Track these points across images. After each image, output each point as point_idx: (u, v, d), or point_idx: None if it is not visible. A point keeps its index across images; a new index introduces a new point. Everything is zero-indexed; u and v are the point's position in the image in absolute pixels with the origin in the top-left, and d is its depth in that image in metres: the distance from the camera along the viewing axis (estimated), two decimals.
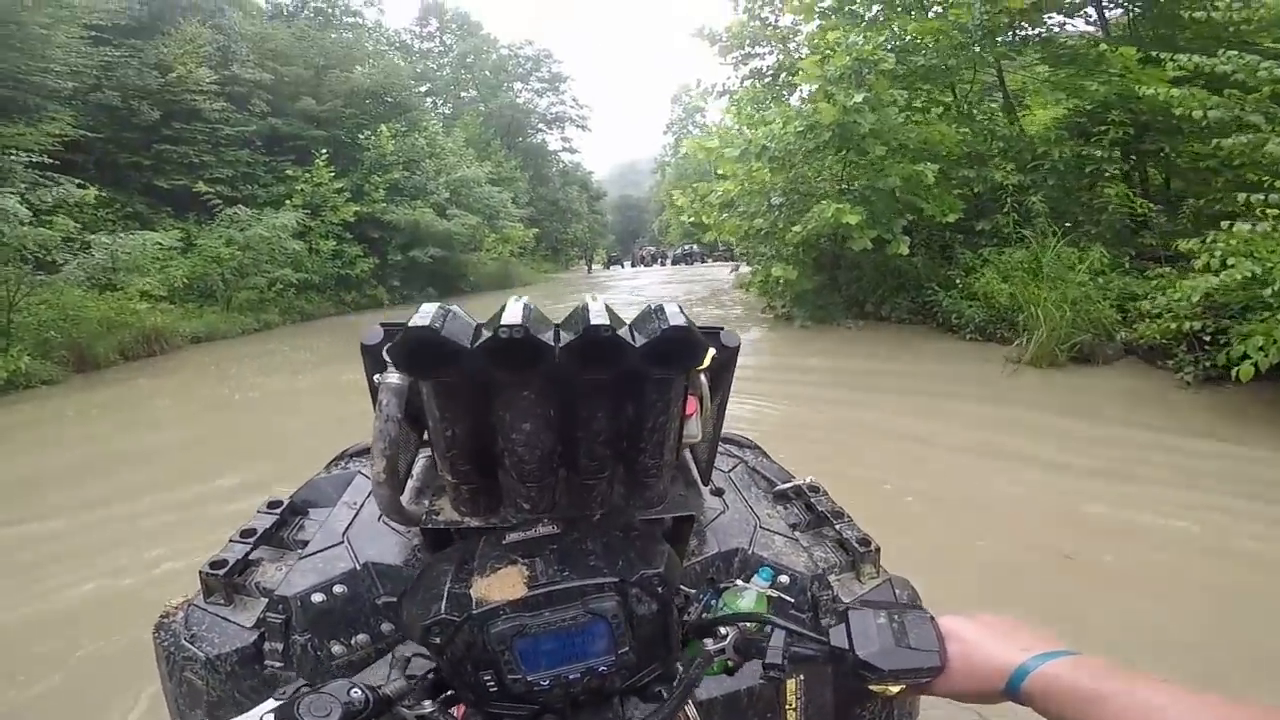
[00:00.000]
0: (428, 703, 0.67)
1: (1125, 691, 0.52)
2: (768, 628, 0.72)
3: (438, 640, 0.66)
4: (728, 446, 1.39)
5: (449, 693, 0.70)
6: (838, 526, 1.12)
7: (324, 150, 17.61)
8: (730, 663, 0.74)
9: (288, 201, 16.16)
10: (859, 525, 1.13)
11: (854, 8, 10.48)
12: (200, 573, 0.97)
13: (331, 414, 6.41)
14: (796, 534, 1.14)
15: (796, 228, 9.12)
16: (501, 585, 0.68)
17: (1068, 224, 8.57)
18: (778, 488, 1.26)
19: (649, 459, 0.78)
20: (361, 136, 19.78)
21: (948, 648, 0.66)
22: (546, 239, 37.98)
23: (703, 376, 0.77)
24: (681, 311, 0.65)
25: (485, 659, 0.66)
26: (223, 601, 0.96)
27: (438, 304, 0.67)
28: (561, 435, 0.72)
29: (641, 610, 0.69)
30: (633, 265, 44.15)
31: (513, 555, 0.72)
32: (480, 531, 0.79)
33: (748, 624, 0.74)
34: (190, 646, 0.91)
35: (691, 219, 11.74)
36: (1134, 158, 9.06)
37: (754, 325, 11.14)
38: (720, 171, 11.23)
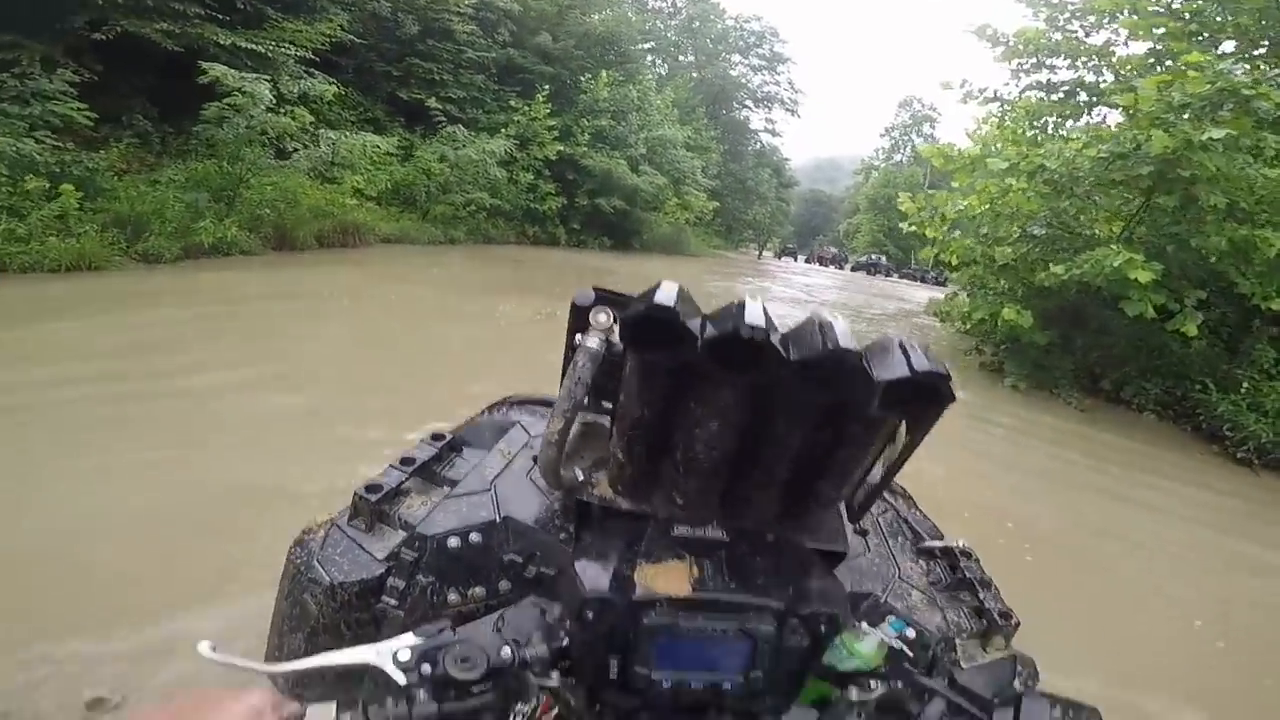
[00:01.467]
0: (555, 673, 0.63)
1: None
2: (924, 693, 0.64)
3: (590, 616, 0.62)
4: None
5: (565, 664, 0.65)
6: (981, 596, 1.02)
7: (547, 86, 17.76)
8: (861, 716, 0.66)
9: (503, 130, 16.51)
10: (1004, 599, 1.03)
11: (1216, 32, 8.26)
12: (355, 493, 0.93)
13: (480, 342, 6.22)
14: (935, 592, 1.05)
15: (1058, 269, 7.33)
16: (667, 578, 0.65)
17: None
18: (924, 544, 1.16)
19: (827, 489, 0.74)
20: (583, 79, 19.86)
21: None
22: (725, 214, 37.42)
23: (903, 423, 0.71)
24: (852, 334, 0.60)
25: (622, 645, 0.63)
26: (363, 527, 0.92)
27: (676, 284, 0.62)
28: (745, 441, 0.69)
29: (792, 643, 0.65)
30: (808, 261, 42.02)
31: (680, 550, 0.69)
32: (632, 516, 0.77)
33: (899, 684, 0.66)
34: (320, 568, 0.87)
35: (914, 227, 10.05)
36: None
37: (951, 369, 9.31)
38: (956, 184, 9.65)
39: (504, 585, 0.88)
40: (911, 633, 0.90)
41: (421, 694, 0.57)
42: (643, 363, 0.65)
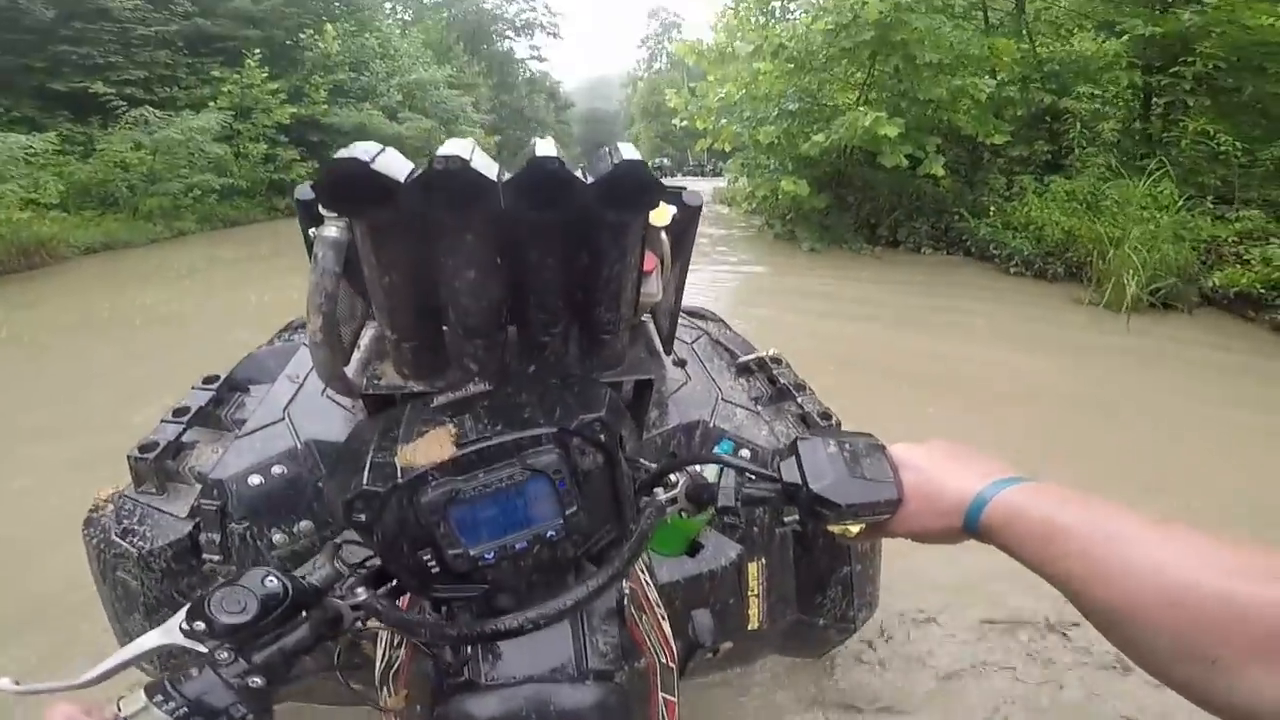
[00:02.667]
0: (361, 590, 0.58)
1: (1089, 521, 0.46)
2: (720, 475, 0.65)
3: (363, 517, 0.57)
4: (690, 318, 1.33)
5: (393, 583, 0.62)
6: (799, 400, 1.07)
7: (256, 51, 15.27)
8: (684, 512, 0.66)
9: (212, 104, 13.96)
10: (819, 399, 1.08)
11: None
12: (128, 457, 0.85)
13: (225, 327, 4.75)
14: (759, 407, 1.08)
15: (818, 137, 7.50)
16: (428, 448, 0.59)
17: (1125, 157, 7.39)
18: (740, 360, 1.19)
19: (605, 312, 0.70)
20: (303, 36, 17.25)
21: (902, 478, 0.57)
22: (508, 146, 36.14)
23: (664, 234, 0.73)
24: (636, 150, 0.58)
25: (420, 535, 0.58)
26: (154, 490, 0.85)
27: (374, 143, 0.57)
28: (509, 285, 0.65)
29: (586, 464, 0.61)
30: None
31: (440, 417, 0.62)
32: (420, 396, 0.72)
33: (699, 470, 0.66)
34: (121, 542, 0.82)
35: (685, 123, 9.88)
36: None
37: (751, 246, 9.49)
38: (711, 77, 9.51)
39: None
40: (746, 452, 0.95)
41: (224, 654, 0.54)
42: (367, 227, 0.59)
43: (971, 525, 0.52)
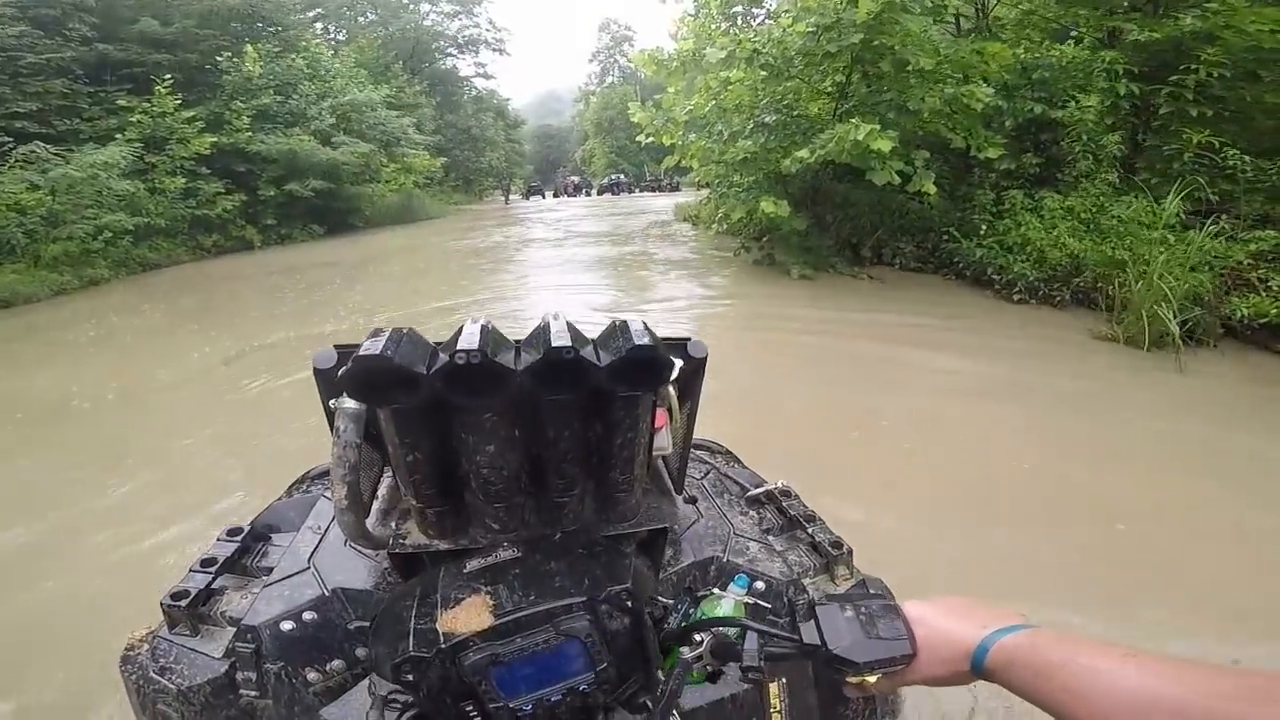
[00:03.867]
0: None
1: (1075, 657, 0.52)
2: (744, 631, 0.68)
3: (410, 678, 0.61)
4: (699, 453, 1.36)
5: None
6: (810, 530, 1.08)
7: (168, 77, 13.85)
8: (710, 668, 0.69)
9: (119, 136, 12.50)
10: (830, 528, 1.09)
11: None
12: (162, 604, 0.88)
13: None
14: (770, 539, 1.10)
15: (802, 153, 6.67)
16: (468, 616, 0.63)
17: (1123, 171, 6.94)
18: (750, 493, 1.21)
19: (619, 475, 0.74)
20: (220, 59, 15.77)
21: (915, 632, 0.63)
22: (457, 169, 34.94)
23: (671, 387, 0.76)
24: (647, 329, 0.63)
25: (463, 690, 0.62)
26: (188, 632, 0.88)
27: (390, 328, 0.62)
28: (528, 455, 0.69)
29: (614, 626, 0.65)
30: (555, 195, 40.42)
31: (475, 584, 0.67)
32: (450, 555, 0.76)
33: (723, 629, 0.69)
34: (160, 679, 0.84)
35: (650, 139, 8.94)
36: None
37: (733, 274, 8.51)
38: (671, 89, 8.72)
39: (360, 652, 0.84)
40: (761, 584, 0.95)
41: None
42: (391, 411, 0.63)
43: (978, 669, 0.58)
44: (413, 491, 0.71)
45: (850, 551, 1.02)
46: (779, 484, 1.19)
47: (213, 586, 0.92)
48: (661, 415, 0.77)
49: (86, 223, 10.73)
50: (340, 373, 0.59)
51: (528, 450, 0.68)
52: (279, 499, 1.25)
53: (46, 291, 9.69)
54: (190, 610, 0.87)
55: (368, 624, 0.81)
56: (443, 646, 0.60)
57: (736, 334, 5.88)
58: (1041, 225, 6.63)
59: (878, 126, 6.20)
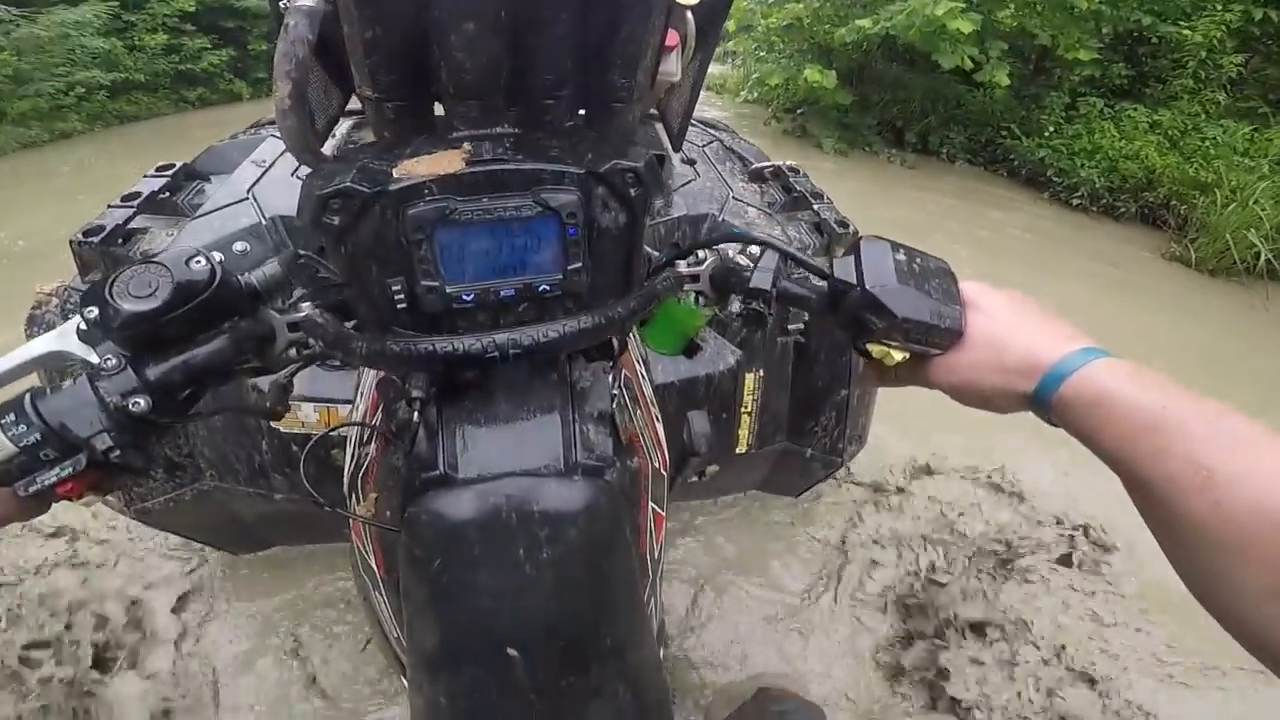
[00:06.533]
0: (307, 305, 0.51)
1: (1206, 419, 0.37)
2: (753, 257, 0.57)
3: (337, 220, 0.45)
4: (701, 125, 1.24)
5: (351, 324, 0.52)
6: (816, 208, 0.97)
7: None
8: (705, 298, 0.60)
9: None
10: (838, 208, 0.97)
11: None
12: (71, 243, 0.76)
13: None
14: (772, 212, 0.99)
15: (863, 22, 5.74)
16: (434, 162, 0.47)
17: (1235, 99, 6.09)
18: (754, 166, 1.11)
19: (619, 77, 0.56)
20: None
21: (971, 318, 0.47)
22: None
23: (690, 14, 0.66)
24: None
25: (396, 259, 0.47)
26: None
27: None
28: (512, 44, 0.51)
29: (605, 220, 0.50)
30: None
31: (456, 142, 0.50)
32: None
33: (730, 253, 0.59)
34: None
35: None
36: None
37: (760, 144, 7.42)
38: None
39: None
40: (755, 249, 0.76)
41: (112, 360, 0.45)
42: None
43: (1044, 394, 0.42)
44: (368, 80, 0.55)
45: (856, 232, 0.88)
46: (786, 162, 1.08)
47: (134, 225, 0.80)
48: (673, 36, 0.66)
49: (58, 79, 9.84)
50: None
51: (513, 37, 0.51)
52: (221, 140, 1.08)
53: (14, 145, 9.08)
54: (104, 249, 0.75)
55: (314, 252, 0.63)
56: (389, 188, 0.45)
57: None
58: (1120, 134, 5.95)
59: (961, 4, 5.26)
